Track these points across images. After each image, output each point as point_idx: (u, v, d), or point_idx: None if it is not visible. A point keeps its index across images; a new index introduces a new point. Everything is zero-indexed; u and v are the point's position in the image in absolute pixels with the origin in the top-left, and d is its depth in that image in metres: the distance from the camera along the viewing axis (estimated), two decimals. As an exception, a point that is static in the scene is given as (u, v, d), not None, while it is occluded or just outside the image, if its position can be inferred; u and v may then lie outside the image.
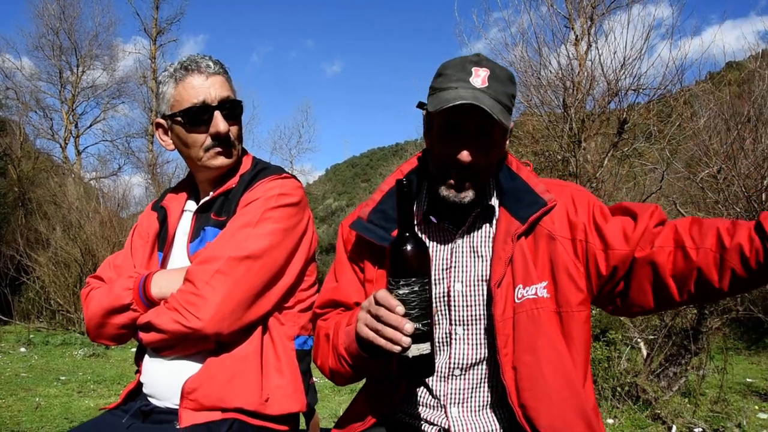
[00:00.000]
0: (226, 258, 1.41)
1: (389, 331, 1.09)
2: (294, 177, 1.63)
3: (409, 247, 1.10)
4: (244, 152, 1.66)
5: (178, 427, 1.39)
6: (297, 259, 1.54)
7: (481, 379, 1.37)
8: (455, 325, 1.38)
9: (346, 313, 1.43)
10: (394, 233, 1.34)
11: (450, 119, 1.30)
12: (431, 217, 1.43)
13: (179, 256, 1.58)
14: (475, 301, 1.37)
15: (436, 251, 1.42)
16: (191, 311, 1.37)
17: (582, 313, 1.33)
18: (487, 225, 1.41)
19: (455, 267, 1.39)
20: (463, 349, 1.37)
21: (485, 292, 1.36)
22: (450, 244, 1.41)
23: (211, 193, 1.61)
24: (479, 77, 1.29)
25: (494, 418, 1.36)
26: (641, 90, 6.06)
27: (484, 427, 1.35)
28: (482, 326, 1.36)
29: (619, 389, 4.68)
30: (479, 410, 1.36)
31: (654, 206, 1.35)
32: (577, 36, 7.04)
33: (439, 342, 1.38)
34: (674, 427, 4.23)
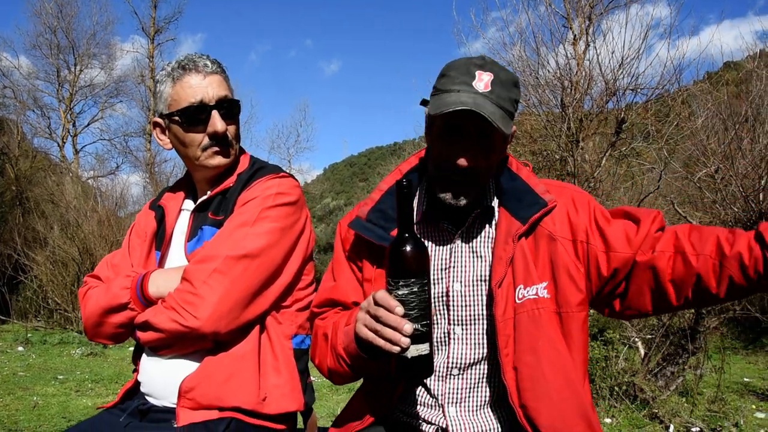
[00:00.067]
0: (223, 257, 1.41)
1: (388, 332, 1.09)
2: (291, 176, 1.63)
3: (408, 248, 1.10)
4: (242, 151, 1.66)
5: (175, 426, 1.39)
6: (294, 258, 1.54)
7: (479, 378, 1.37)
8: (454, 324, 1.38)
9: (344, 312, 1.43)
10: (393, 233, 1.35)
11: (450, 122, 1.30)
12: (431, 216, 1.43)
13: (177, 255, 1.58)
14: (474, 301, 1.37)
15: (435, 251, 1.42)
16: (189, 310, 1.37)
17: (581, 314, 1.34)
18: (487, 226, 1.42)
19: (454, 267, 1.39)
20: (462, 348, 1.37)
21: (484, 292, 1.37)
22: (449, 244, 1.41)
23: (209, 192, 1.61)
24: (482, 81, 1.28)
25: (492, 417, 1.36)
26: (639, 90, 6.08)
27: (481, 426, 1.35)
28: (481, 326, 1.37)
29: (616, 388, 4.69)
30: (477, 410, 1.37)
31: (656, 212, 1.37)
32: (575, 35, 7.05)
33: (437, 342, 1.38)
34: (672, 427, 4.24)
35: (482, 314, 1.36)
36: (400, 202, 1.12)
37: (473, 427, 1.35)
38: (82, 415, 4.64)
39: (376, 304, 1.12)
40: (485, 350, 1.36)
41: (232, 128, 1.57)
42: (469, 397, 1.37)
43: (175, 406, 1.42)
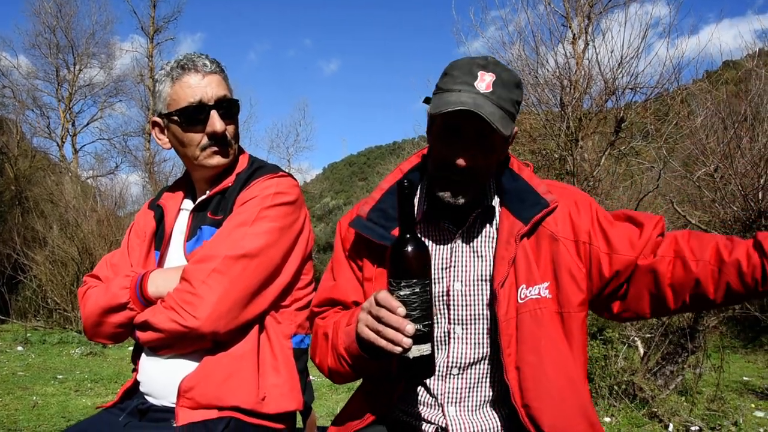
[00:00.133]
0: (222, 257, 1.41)
1: (390, 332, 1.09)
2: (290, 175, 1.63)
3: (410, 249, 1.10)
4: (241, 151, 1.66)
5: (174, 425, 1.39)
6: (293, 258, 1.54)
7: (479, 378, 1.37)
8: (454, 324, 1.38)
9: (344, 312, 1.43)
10: (394, 232, 1.35)
11: (449, 122, 1.30)
12: (432, 216, 1.43)
13: (176, 254, 1.58)
14: (474, 300, 1.37)
15: (436, 250, 1.42)
16: (188, 310, 1.37)
17: (582, 314, 1.35)
18: (488, 225, 1.42)
19: (455, 266, 1.39)
20: (462, 348, 1.37)
21: (485, 292, 1.37)
22: (450, 244, 1.41)
23: (208, 192, 1.60)
24: (484, 82, 1.28)
25: (492, 416, 1.36)
26: (638, 89, 6.09)
27: (481, 425, 1.35)
28: (481, 326, 1.37)
29: (616, 387, 4.70)
30: (477, 409, 1.37)
31: (658, 217, 1.39)
32: (574, 34, 7.05)
33: (437, 341, 1.38)
34: (671, 426, 4.24)
35: (483, 314, 1.37)
36: (401, 203, 1.12)
37: (473, 427, 1.35)
38: (82, 415, 4.64)
39: (378, 304, 1.12)
40: (485, 350, 1.36)
41: (231, 128, 1.57)
42: (468, 396, 1.37)
43: (174, 405, 1.41)
